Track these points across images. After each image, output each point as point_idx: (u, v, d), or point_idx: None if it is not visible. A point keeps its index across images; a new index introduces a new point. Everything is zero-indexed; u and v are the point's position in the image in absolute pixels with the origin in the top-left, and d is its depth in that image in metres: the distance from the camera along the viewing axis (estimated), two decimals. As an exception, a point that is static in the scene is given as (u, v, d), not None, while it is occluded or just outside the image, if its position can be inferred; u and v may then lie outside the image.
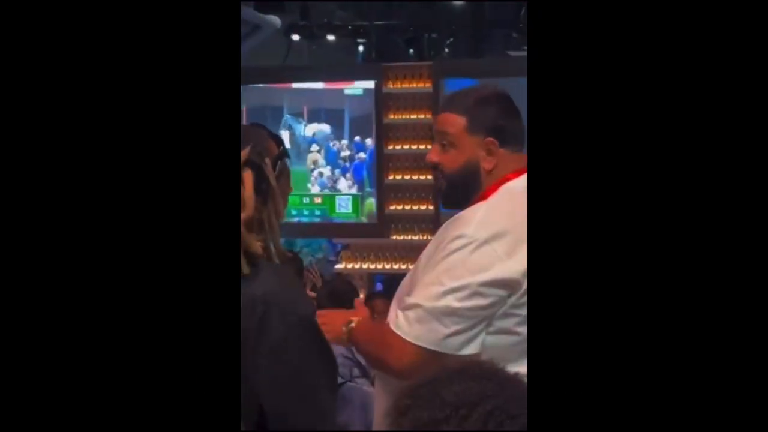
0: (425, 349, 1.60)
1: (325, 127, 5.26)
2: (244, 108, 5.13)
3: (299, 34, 7.83)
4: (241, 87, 5.19)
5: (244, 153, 1.47)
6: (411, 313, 1.63)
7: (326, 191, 5.29)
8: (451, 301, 1.59)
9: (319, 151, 5.24)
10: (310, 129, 5.27)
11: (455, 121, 1.73)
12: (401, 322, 1.64)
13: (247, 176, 1.46)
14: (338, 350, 2.82)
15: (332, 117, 5.30)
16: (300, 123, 5.25)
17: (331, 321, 1.75)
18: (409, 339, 1.61)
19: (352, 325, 1.76)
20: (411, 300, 1.64)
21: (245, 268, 1.44)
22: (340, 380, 2.74)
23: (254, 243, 1.47)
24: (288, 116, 5.23)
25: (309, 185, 5.30)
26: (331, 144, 5.23)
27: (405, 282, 1.78)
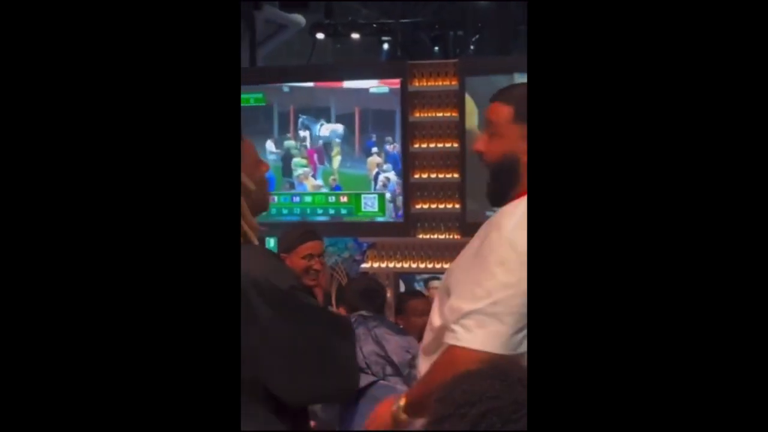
0: (491, 354, 1.53)
1: (338, 127, 5.22)
2: (291, 108, 5.12)
3: (324, 33, 7.82)
4: (281, 87, 5.14)
5: None
6: (469, 321, 1.57)
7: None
8: (507, 299, 1.55)
9: (378, 154, 5.18)
10: (326, 129, 5.23)
11: (502, 111, 1.75)
12: (461, 334, 1.57)
13: None
14: (370, 348, 2.79)
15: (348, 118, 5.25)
16: (316, 123, 5.22)
17: (381, 416, 1.68)
18: (474, 347, 1.54)
19: (402, 401, 1.65)
20: (465, 307, 1.58)
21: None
22: (371, 379, 2.71)
23: None
24: (303, 117, 5.20)
25: (373, 191, 5.18)
26: (389, 147, 5.16)
27: (448, 284, 1.74)
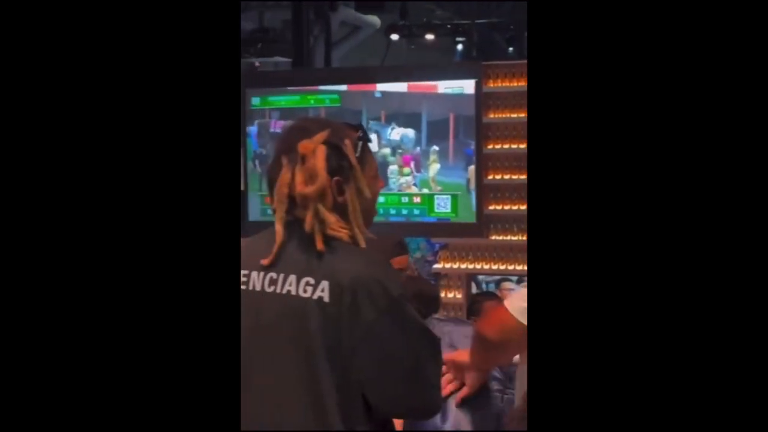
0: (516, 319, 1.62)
1: (409, 131, 5.22)
2: (382, 113, 5.16)
3: (398, 34, 7.87)
4: (374, 93, 5.13)
5: (322, 135, 1.52)
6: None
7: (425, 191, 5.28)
8: None
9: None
10: (396, 133, 5.24)
11: None
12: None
13: (321, 150, 1.51)
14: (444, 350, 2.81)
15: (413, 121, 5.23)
16: (385, 127, 5.24)
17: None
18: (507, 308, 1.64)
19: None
20: None
21: (319, 241, 1.49)
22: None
23: (333, 223, 1.51)
24: (372, 121, 5.22)
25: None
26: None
27: None
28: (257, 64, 5.98)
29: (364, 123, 5.13)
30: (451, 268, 5.22)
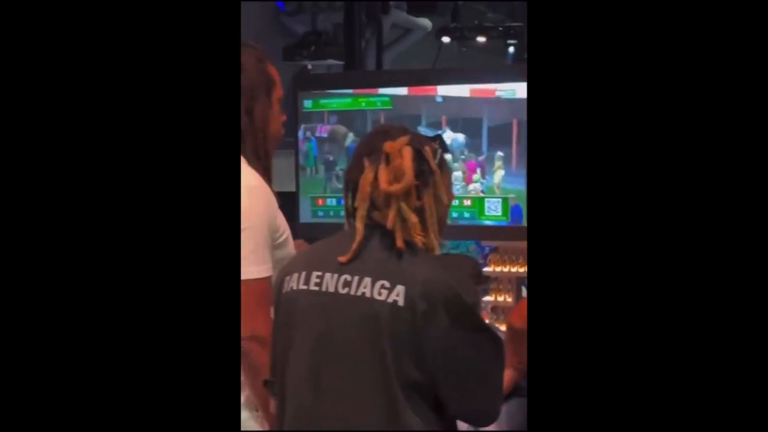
0: None
1: (459, 136, 5.19)
2: (443, 118, 5.16)
3: (450, 37, 7.85)
4: (435, 98, 5.11)
5: (405, 138, 1.56)
6: None
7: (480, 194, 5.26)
8: None
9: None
10: (447, 137, 5.22)
11: None
12: None
13: (407, 151, 1.54)
14: None
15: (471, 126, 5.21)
16: (437, 131, 5.22)
17: None
18: None
19: None
20: None
21: (399, 243, 1.52)
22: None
23: (415, 226, 1.53)
24: (420, 126, 5.21)
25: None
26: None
27: None
28: (309, 66, 6.01)
29: (423, 127, 5.16)
30: (501, 271, 5.20)
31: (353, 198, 1.60)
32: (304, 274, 1.60)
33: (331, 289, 1.55)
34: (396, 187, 1.51)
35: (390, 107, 5.33)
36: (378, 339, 1.49)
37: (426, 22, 7.65)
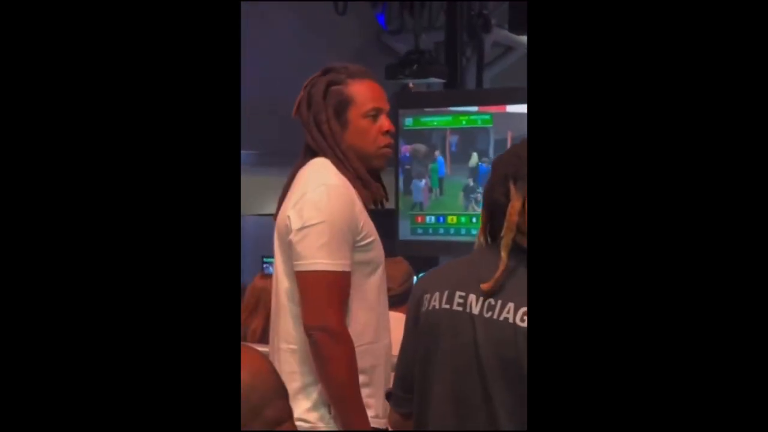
0: None
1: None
2: (508, 134, 5.16)
3: None
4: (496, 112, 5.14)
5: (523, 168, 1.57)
6: None
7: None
8: None
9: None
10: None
11: None
12: None
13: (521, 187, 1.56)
14: None
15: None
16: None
17: None
18: None
19: None
20: None
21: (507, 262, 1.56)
22: None
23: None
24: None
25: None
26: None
27: None
28: (411, 85, 6.05)
29: (491, 143, 5.18)
30: None
31: (493, 219, 1.61)
32: (446, 293, 1.62)
33: (476, 312, 1.57)
34: None
35: (491, 125, 5.33)
36: (519, 364, 1.50)
37: (526, 42, 7.58)
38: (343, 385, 1.96)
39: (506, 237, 1.57)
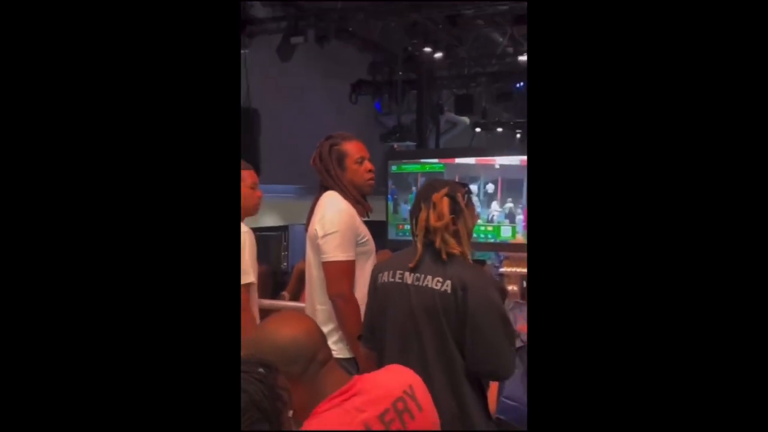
0: None
1: (490, 187, 5.10)
2: (456, 177, 5.09)
3: (481, 128, 10.26)
4: (493, 165, 5.44)
5: (445, 189, 2.18)
6: None
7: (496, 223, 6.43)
8: None
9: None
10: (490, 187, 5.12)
11: None
12: None
13: (445, 201, 2.14)
14: (521, 324, 3.31)
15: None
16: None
17: None
18: None
19: None
20: None
21: (444, 255, 2.12)
22: (520, 344, 2.94)
23: (453, 244, 2.14)
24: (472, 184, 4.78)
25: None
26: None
27: None
28: (396, 146, 8.99)
29: (480, 186, 5.29)
30: (512, 271, 5.76)
31: (415, 227, 2.19)
32: (391, 272, 2.24)
33: (409, 282, 2.17)
34: (439, 224, 2.10)
35: (443, 170, 6.01)
36: (437, 313, 2.08)
37: (466, 119, 10.58)
38: (353, 328, 2.58)
39: (419, 236, 2.13)
